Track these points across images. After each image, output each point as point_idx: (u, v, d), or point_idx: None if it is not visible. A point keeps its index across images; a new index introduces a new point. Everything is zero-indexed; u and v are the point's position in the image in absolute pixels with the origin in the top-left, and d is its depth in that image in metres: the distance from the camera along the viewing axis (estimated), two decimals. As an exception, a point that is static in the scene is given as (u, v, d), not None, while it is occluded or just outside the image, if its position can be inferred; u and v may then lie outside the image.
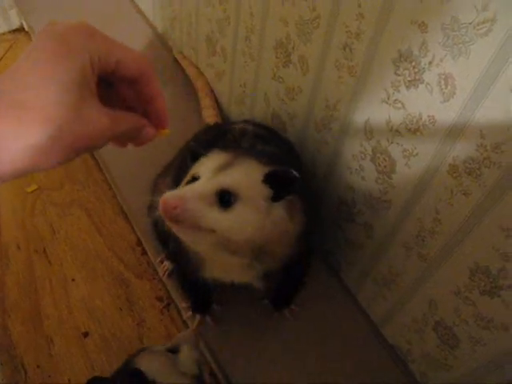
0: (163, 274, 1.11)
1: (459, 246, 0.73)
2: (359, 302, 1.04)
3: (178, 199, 0.63)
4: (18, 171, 0.38)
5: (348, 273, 1.05)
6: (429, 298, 0.83)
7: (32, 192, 1.34)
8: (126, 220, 1.28)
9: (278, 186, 0.68)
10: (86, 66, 0.39)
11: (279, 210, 0.70)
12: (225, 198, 0.66)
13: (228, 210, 0.66)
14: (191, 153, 0.76)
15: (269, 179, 0.69)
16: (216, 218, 0.66)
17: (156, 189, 1.06)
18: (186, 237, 0.69)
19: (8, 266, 1.19)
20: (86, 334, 1.10)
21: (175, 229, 0.65)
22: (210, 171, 0.69)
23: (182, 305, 1.06)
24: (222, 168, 0.69)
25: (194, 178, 0.70)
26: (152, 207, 1.08)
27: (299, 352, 0.98)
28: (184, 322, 1.08)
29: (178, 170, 0.93)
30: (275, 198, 0.69)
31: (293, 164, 0.87)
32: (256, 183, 0.69)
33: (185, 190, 0.66)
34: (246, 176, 0.68)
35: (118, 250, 1.24)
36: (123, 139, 0.46)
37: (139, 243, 1.24)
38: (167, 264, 1.11)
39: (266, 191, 0.69)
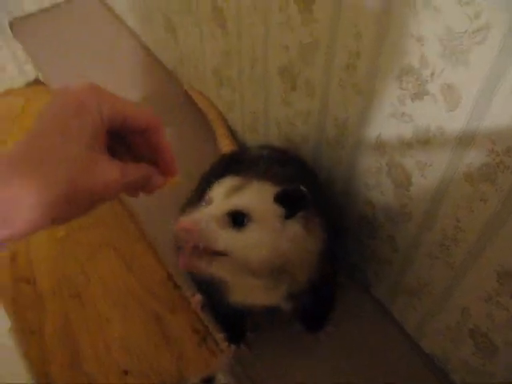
0: (196, 307, 1.13)
1: (484, 251, 0.72)
2: (392, 314, 1.04)
3: (191, 223, 0.64)
4: (34, 228, 0.40)
5: (378, 287, 1.05)
6: (461, 306, 0.82)
7: (61, 238, 1.37)
8: (155, 255, 1.30)
9: (289, 203, 0.69)
10: (97, 124, 0.43)
11: (294, 226, 0.71)
12: (238, 219, 0.67)
13: (241, 230, 0.67)
14: (207, 181, 0.77)
15: (279, 198, 0.70)
16: (229, 238, 0.66)
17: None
18: (203, 268, 0.69)
19: (45, 313, 1.21)
20: (126, 372, 1.11)
21: (191, 263, 0.67)
22: (222, 194, 0.70)
23: (218, 336, 1.07)
24: (235, 190, 0.71)
25: (207, 198, 0.72)
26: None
27: (336, 370, 0.98)
28: (222, 352, 1.09)
29: (198, 201, 0.94)
30: (288, 216, 0.70)
31: (308, 181, 0.88)
32: (268, 203, 0.70)
33: (197, 213, 0.67)
34: (258, 197, 0.70)
35: (149, 286, 1.25)
36: (134, 188, 0.49)
37: (170, 277, 1.25)
38: (199, 296, 1.12)
39: (278, 210, 0.70)
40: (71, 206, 0.41)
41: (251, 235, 0.68)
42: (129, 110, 0.45)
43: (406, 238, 0.87)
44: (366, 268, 1.05)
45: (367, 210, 0.94)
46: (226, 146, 1.29)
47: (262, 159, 0.91)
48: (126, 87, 1.60)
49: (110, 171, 0.43)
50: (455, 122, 0.66)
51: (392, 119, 0.78)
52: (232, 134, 1.35)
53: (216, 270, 0.71)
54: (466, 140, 0.66)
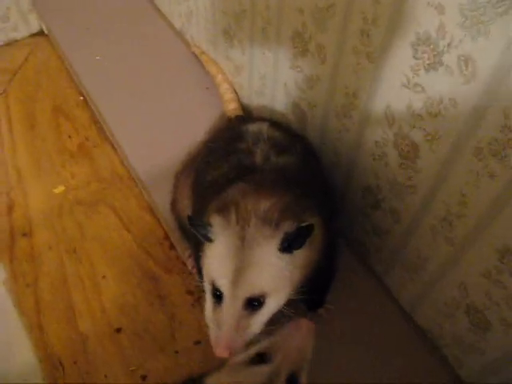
0: (192, 268, 1.13)
1: (487, 229, 0.72)
2: (389, 289, 1.04)
3: (224, 350, 0.68)
4: None
5: (377, 260, 1.05)
6: (458, 282, 0.83)
7: (59, 193, 1.36)
8: (153, 215, 1.30)
9: (294, 243, 0.69)
10: None
11: (300, 251, 0.71)
12: (253, 303, 0.70)
13: (259, 309, 0.70)
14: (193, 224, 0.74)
15: (283, 245, 0.69)
16: (252, 324, 0.70)
17: (177, 185, 1.07)
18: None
19: (41, 267, 1.22)
20: (118, 330, 1.12)
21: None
22: (228, 281, 0.69)
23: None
24: (239, 271, 0.69)
25: (216, 293, 0.71)
26: (174, 203, 1.09)
27: (330, 346, 0.98)
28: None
29: (198, 173, 0.94)
30: (295, 249, 0.70)
31: (311, 177, 0.88)
32: (273, 257, 0.69)
33: (222, 335, 0.69)
34: (263, 267, 0.69)
35: (146, 245, 1.25)
36: None
37: (167, 238, 1.25)
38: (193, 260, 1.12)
39: (284, 256, 0.70)
40: None
41: (270, 306, 0.71)
42: None
43: (408, 211, 0.87)
44: (367, 240, 1.04)
45: (372, 182, 0.94)
46: (231, 110, 1.28)
47: (260, 142, 0.87)
48: (131, 44, 1.57)
49: None
50: (469, 95, 0.65)
51: (404, 89, 0.76)
52: (238, 98, 1.33)
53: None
54: (478, 114, 0.65)
